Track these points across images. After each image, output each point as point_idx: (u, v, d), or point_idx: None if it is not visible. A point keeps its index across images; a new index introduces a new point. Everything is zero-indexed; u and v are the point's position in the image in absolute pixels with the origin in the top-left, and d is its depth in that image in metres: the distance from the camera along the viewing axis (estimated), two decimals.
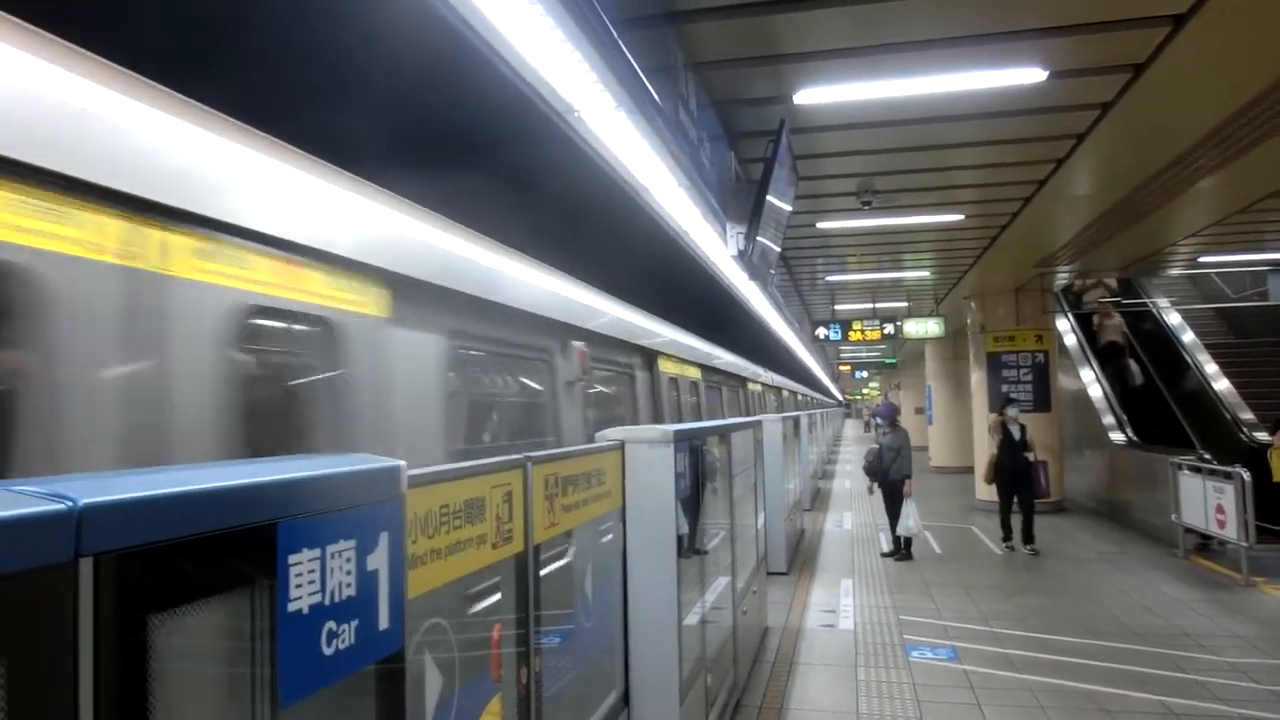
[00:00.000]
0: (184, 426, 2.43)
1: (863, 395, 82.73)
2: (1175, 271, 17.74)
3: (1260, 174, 8.98)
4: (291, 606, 1.31)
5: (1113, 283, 17.42)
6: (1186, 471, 11.34)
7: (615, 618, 4.10)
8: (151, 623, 1.05)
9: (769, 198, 7.03)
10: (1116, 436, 15.43)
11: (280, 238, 2.75)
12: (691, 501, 4.67)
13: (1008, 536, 12.47)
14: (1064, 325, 18.22)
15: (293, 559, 1.31)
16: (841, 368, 47.84)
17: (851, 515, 16.26)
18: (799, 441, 15.17)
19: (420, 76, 3.99)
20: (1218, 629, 7.98)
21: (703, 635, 4.98)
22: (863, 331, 18.94)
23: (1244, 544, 9.83)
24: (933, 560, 11.65)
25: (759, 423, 8.91)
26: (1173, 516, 11.65)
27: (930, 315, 20.14)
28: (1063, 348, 17.80)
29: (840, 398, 69.84)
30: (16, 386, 1.99)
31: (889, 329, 18.94)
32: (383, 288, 3.37)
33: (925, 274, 16.91)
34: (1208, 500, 10.67)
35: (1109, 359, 16.73)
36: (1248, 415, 14.81)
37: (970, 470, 18.18)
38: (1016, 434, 12.61)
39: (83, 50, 2.10)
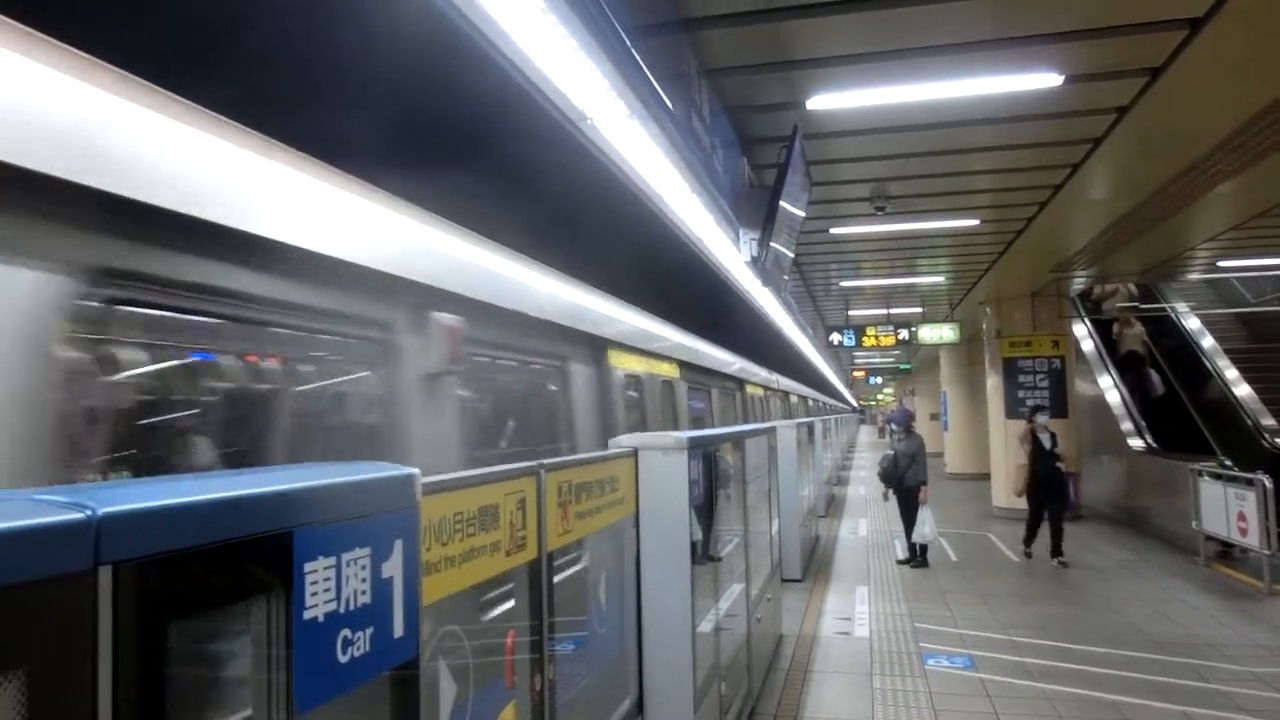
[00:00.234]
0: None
1: (877, 401, 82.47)
2: (1194, 276, 17.58)
3: None
4: (307, 614, 1.32)
5: (1133, 289, 17.29)
6: (1207, 478, 11.25)
7: (629, 624, 4.09)
8: (169, 630, 1.06)
9: (782, 204, 7.03)
10: (1135, 443, 15.32)
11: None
12: (705, 508, 4.66)
13: (1029, 541, 12.25)
14: (1081, 331, 18.10)
15: (308, 567, 1.32)
16: (856, 374, 47.75)
17: (867, 522, 16.20)
18: (813, 447, 15.13)
19: (430, 81, 4.01)
20: (1240, 638, 7.90)
21: (717, 642, 4.97)
22: (877, 337, 18.89)
23: (1266, 552, 9.74)
24: (949, 567, 11.59)
25: (773, 429, 8.89)
26: (1193, 524, 11.54)
27: (945, 321, 20.07)
28: (1080, 353, 17.69)
29: (855, 404, 69.62)
30: None
31: (903, 334, 18.89)
32: None
33: (940, 279, 16.85)
34: (1229, 507, 10.58)
35: (1129, 368, 16.51)
36: (1269, 421, 14.66)
37: (986, 477, 18.08)
38: (1047, 442, 12.19)
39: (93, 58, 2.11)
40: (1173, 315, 17.92)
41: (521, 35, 3.46)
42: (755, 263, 7.75)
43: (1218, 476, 11.00)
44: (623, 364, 6.29)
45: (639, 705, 4.06)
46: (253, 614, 1.27)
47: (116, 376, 2.13)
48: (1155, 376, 16.00)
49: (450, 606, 2.28)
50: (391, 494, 1.61)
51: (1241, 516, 10.25)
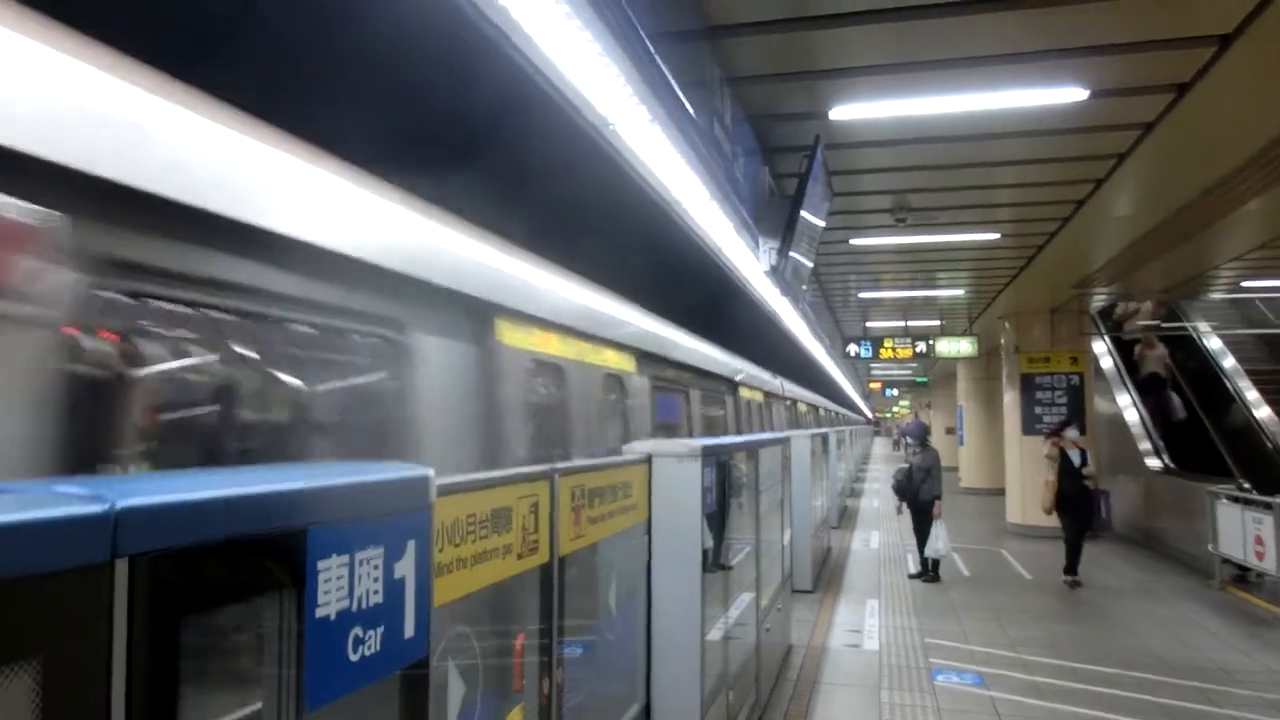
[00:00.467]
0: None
1: (893, 413, 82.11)
2: (1217, 296, 17.42)
3: None
4: (319, 612, 1.32)
5: (1157, 308, 17.12)
6: (1225, 501, 11.13)
7: (638, 631, 4.09)
8: (184, 623, 1.07)
9: (803, 213, 7.02)
10: (1153, 463, 15.19)
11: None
12: (717, 516, 4.66)
13: (1071, 569, 11.46)
14: (1100, 348, 17.97)
15: (322, 565, 1.33)
16: (872, 385, 47.57)
17: (879, 535, 16.12)
18: (827, 458, 15.08)
19: (452, 83, 4.03)
20: (1254, 664, 7.81)
21: (725, 651, 4.95)
22: (894, 349, 18.79)
23: None
24: (961, 583, 11.52)
25: (787, 439, 8.87)
26: (1209, 546, 11.43)
27: (963, 334, 19.96)
28: (1099, 371, 17.56)
29: (870, 415, 69.35)
30: None
31: (921, 347, 18.79)
32: None
33: (959, 293, 16.77)
34: (1246, 531, 10.46)
35: (1151, 391, 16.30)
36: None
37: (1001, 492, 17.97)
38: (1077, 459, 11.75)
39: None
40: (1194, 335, 17.77)
41: (546, 39, 3.47)
42: (774, 272, 7.74)
43: (1236, 499, 10.88)
44: (528, 343, 4.16)
45: (646, 711, 4.06)
46: (265, 610, 1.27)
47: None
48: (1176, 400, 15.79)
49: (462, 608, 2.28)
50: (406, 494, 1.61)
51: (1259, 540, 10.13)
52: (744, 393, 11.59)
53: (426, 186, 3.49)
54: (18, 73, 1.67)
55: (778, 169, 8.56)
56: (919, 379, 39.52)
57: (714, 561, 4.56)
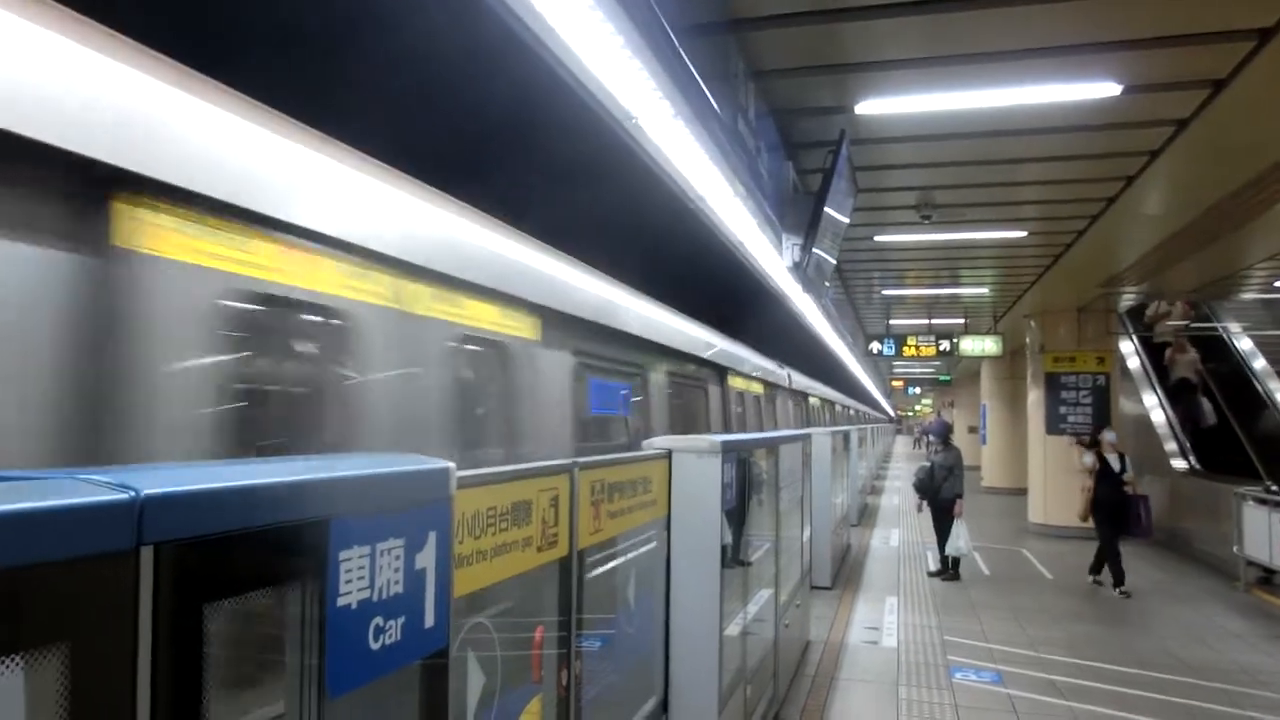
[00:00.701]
0: None
1: (915, 412, 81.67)
2: (1248, 296, 17.18)
3: None
4: (341, 601, 1.33)
5: (1188, 310, 16.87)
6: (1251, 503, 11.00)
7: (657, 624, 4.10)
8: (207, 611, 1.08)
9: (827, 209, 6.99)
10: (1178, 464, 15.02)
11: None
12: (737, 512, 4.65)
13: (1119, 580, 10.91)
14: (1127, 348, 17.77)
15: (343, 555, 1.34)
16: (894, 383, 47.34)
17: (899, 532, 16.06)
18: (848, 456, 15.03)
19: (475, 76, 4.04)
20: (1277, 665, 7.72)
21: (743, 646, 4.96)
22: (917, 347, 18.68)
23: None
24: (981, 582, 11.45)
25: (808, 437, 8.85)
26: (1235, 548, 11.31)
27: (988, 333, 19.82)
28: (1125, 371, 17.37)
29: (892, 413, 69.01)
30: None
31: (944, 346, 18.66)
32: None
33: (984, 291, 16.64)
34: (1273, 532, 10.35)
35: (1181, 396, 16.01)
36: None
37: (1023, 492, 17.84)
38: (1116, 464, 11.28)
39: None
40: (1224, 336, 17.54)
41: (569, 32, 3.47)
42: (797, 268, 7.71)
43: (1263, 501, 10.75)
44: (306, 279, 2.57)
45: (664, 705, 4.07)
46: (288, 598, 1.29)
47: None
48: (1207, 405, 15.51)
49: (481, 599, 2.30)
50: (426, 486, 1.62)
51: None
52: (736, 382, 9.54)
53: (443, 178, 3.51)
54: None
55: (802, 164, 8.52)
56: (942, 377, 39.28)
57: (733, 557, 4.56)
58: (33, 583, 0.86)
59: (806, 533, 8.54)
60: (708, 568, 4.12)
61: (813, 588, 9.42)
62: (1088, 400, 16.23)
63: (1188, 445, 15.32)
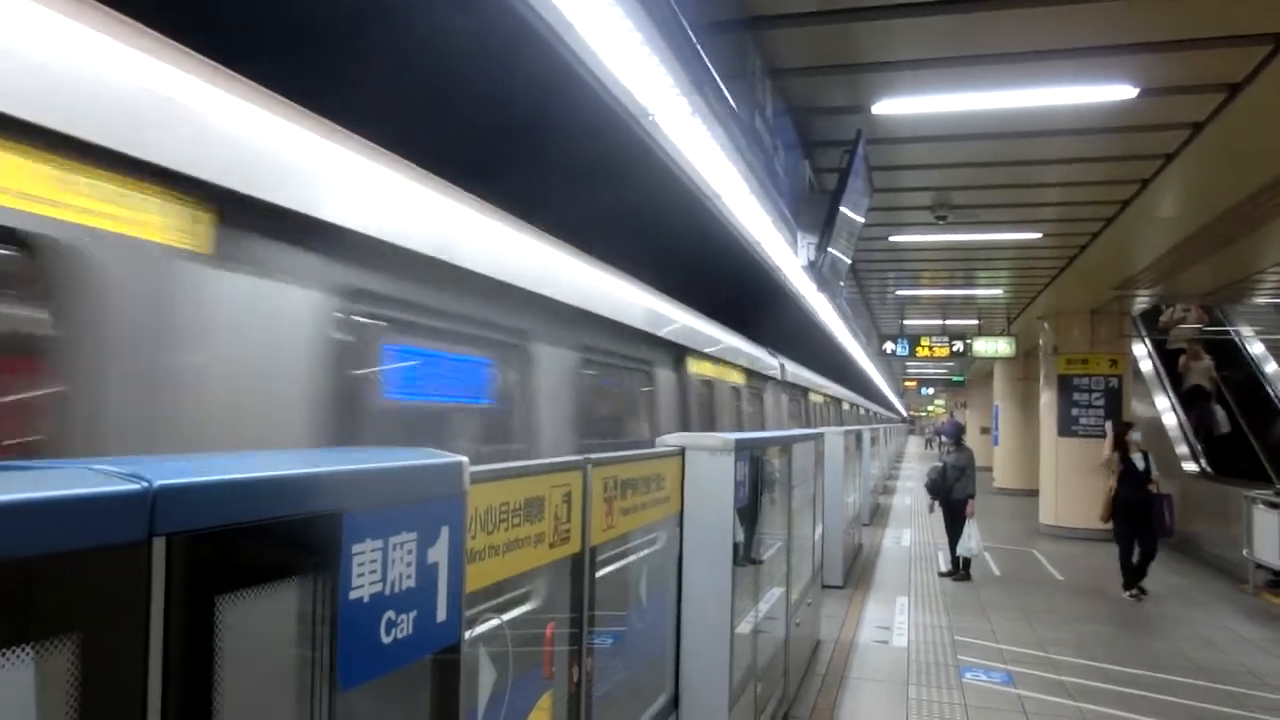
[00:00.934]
0: None
1: (928, 412, 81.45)
2: (1262, 300, 17.06)
3: None
4: (353, 594, 1.33)
5: (1202, 314, 16.72)
6: (1262, 506, 10.92)
7: (668, 621, 4.09)
8: (219, 603, 1.07)
9: (842, 209, 6.96)
10: (1189, 466, 14.93)
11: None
12: (749, 510, 4.64)
13: (1130, 583, 10.77)
14: (1140, 351, 17.67)
15: (356, 548, 1.33)
16: (907, 383, 47.20)
17: (910, 532, 16.02)
18: (860, 455, 14.99)
19: (491, 71, 4.04)
20: None
21: (754, 644, 4.95)
22: (931, 348, 18.62)
23: None
24: (992, 582, 11.41)
25: (821, 436, 8.82)
26: (1244, 551, 11.23)
27: (1001, 334, 19.74)
28: (1137, 373, 17.28)
29: (905, 414, 68.82)
30: None
31: (958, 346, 18.60)
32: None
33: (998, 292, 16.57)
34: None
35: (1195, 404, 15.81)
36: None
37: (1035, 493, 17.77)
38: (1140, 464, 10.93)
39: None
40: (1237, 339, 17.42)
41: (586, 27, 3.46)
42: (812, 267, 7.69)
43: (1273, 505, 10.67)
44: None
45: (674, 701, 4.06)
46: (300, 591, 1.28)
47: None
48: (1221, 413, 15.35)
49: (493, 595, 2.29)
50: (440, 481, 1.62)
51: None
52: (701, 369, 7.06)
53: (456, 172, 3.50)
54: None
55: (818, 163, 8.49)
56: (955, 378, 39.16)
57: (745, 555, 4.55)
58: (45, 573, 0.86)
59: (818, 531, 8.52)
60: (720, 565, 4.11)
61: (824, 587, 9.40)
62: (1100, 402, 16.15)
63: (1199, 448, 15.22)
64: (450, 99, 4.10)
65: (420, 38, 3.76)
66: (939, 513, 12.39)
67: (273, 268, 2.30)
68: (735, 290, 9.53)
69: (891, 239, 11.72)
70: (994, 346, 19.04)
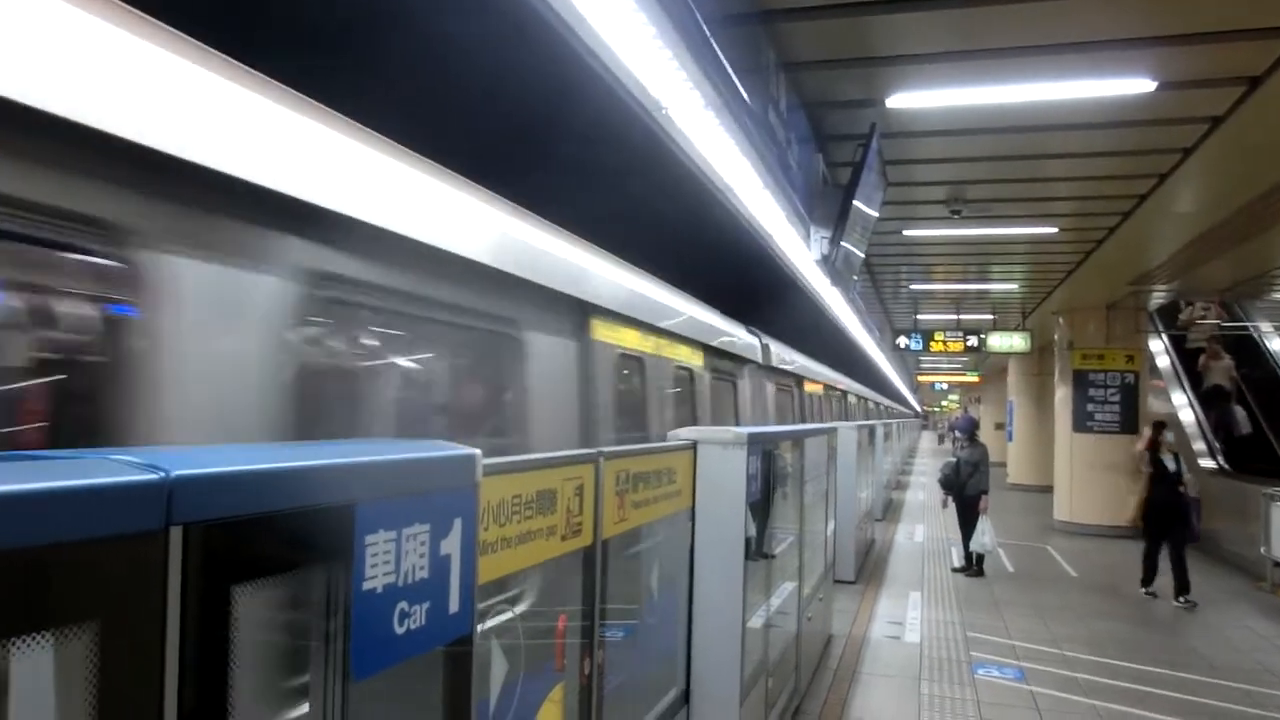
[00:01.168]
0: None
1: (942, 408, 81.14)
2: None
3: None
4: (366, 585, 1.34)
5: (1219, 313, 16.55)
6: None
7: (679, 615, 4.10)
8: (235, 592, 1.09)
9: (856, 203, 6.95)
10: (1206, 463, 14.83)
11: None
12: (761, 505, 4.64)
13: (1149, 580, 10.49)
14: (1157, 346, 17.56)
15: (369, 539, 1.34)
16: (921, 379, 47.04)
17: (923, 528, 15.97)
18: (873, 451, 14.96)
19: (503, 66, 4.04)
20: None
21: (766, 639, 4.95)
22: (945, 343, 18.57)
23: None
24: (1005, 579, 11.37)
25: (834, 431, 8.81)
26: (1262, 549, 11.15)
27: (1016, 329, 19.65)
28: (1153, 369, 17.16)
29: (918, 409, 68.58)
30: None
31: (972, 341, 18.52)
32: None
33: (1013, 287, 16.49)
34: None
35: (1214, 403, 15.53)
36: None
37: (1049, 489, 17.69)
38: (1171, 464, 10.59)
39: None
40: (1255, 335, 17.27)
41: (600, 20, 3.46)
42: (825, 261, 7.67)
43: None
44: None
45: (685, 695, 4.07)
46: (314, 581, 1.29)
47: None
48: (1241, 413, 15.16)
49: (505, 586, 2.30)
50: (453, 473, 1.63)
51: None
52: (621, 338, 5.06)
53: (469, 167, 3.51)
54: None
55: (832, 157, 8.46)
56: (969, 373, 39.01)
57: (757, 550, 4.55)
58: (64, 560, 0.87)
59: (830, 527, 8.51)
60: (731, 560, 4.12)
61: (836, 582, 9.39)
62: (1115, 398, 16.04)
63: (1216, 445, 15.11)
64: (462, 94, 4.11)
65: (433, 33, 3.76)
66: (952, 508, 12.35)
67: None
68: (748, 284, 9.52)
69: (905, 233, 11.68)
70: (1009, 342, 18.97)
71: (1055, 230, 11.27)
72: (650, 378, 5.57)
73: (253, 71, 2.26)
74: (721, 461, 4.10)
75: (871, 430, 14.75)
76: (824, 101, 7.34)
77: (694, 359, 6.71)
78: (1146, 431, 11.08)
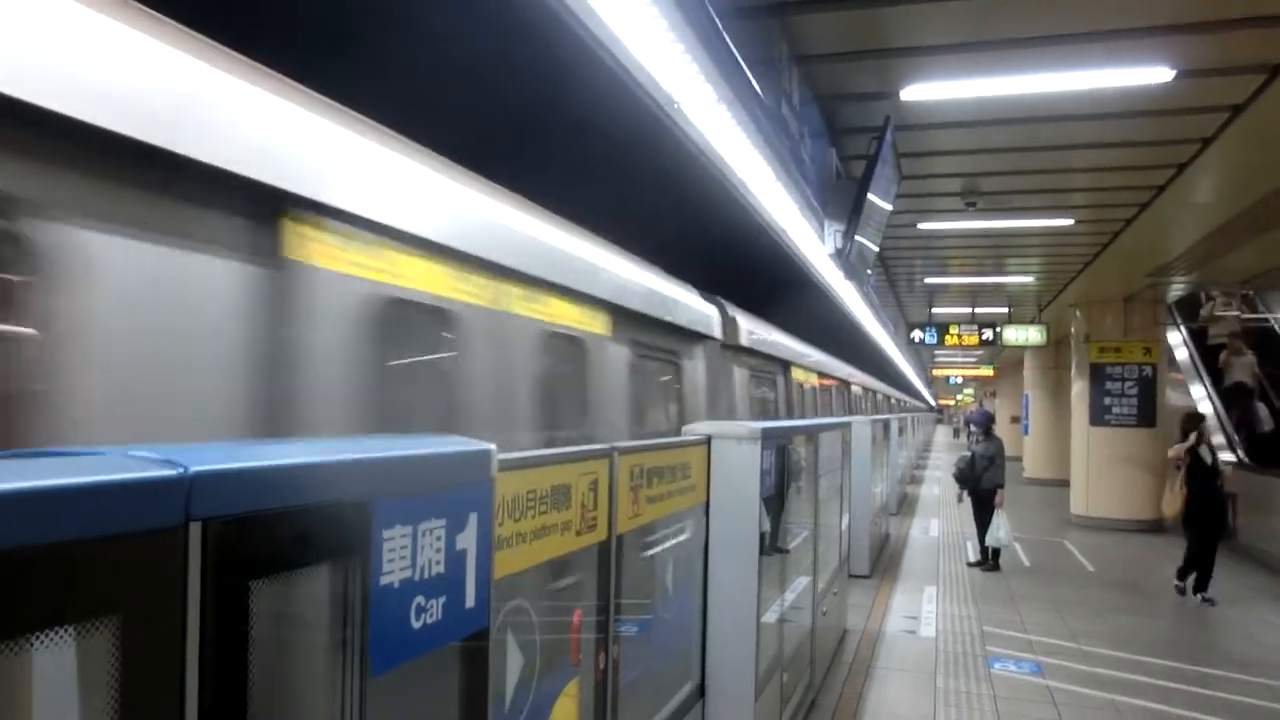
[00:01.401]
0: None
1: (957, 401, 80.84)
2: None
3: None
4: (384, 580, 1.35)
5: (1241, 305, 16.37)
6: None
7: (694, 610, 4.11)
8: (254, 587, 1.09)
9: (870, 196, 6.92)
10: (1226, 457, 14.71)
11: None
12: (775, 499, 4.64)
13: (1184, 576, 10.07)
14: (1175, 338, 17.42)
15: (386, 534, 1.35)
16: (936, 372, 46.87)
17: (938, 522, 15.93)
18: (888, 445, 14.92)
19: (515, 59, 4.04)
20: None
21: (780, 633, 4.95)
22: (960, 336, 18.48)
23: None
24: (1021, 573, 11.32)
25: (848, 425, 8.79)
26: None
27: (1032, 322, 19.54)
28: (1172, 361, 17.03)
29: (933, 403, 68.35)
30: None
31: (988, 335, 18.43)
32: None
33: (1029, 279, 16.40)
34: None
35: (1236, 400, 15.33)
36: None
37: (1066, 483, 17.60)
38: (1208, 459, 10.07)
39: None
40: (1277, 328, 17.11)
41: (611, 14, 3.45)
42: (839, 255, 7.65)
43: None
44: None
45: (700, 689, 4.08)
46: (331, 576, 1.30)
47: None
48: (1264, 410, 15.00)
49: (521, 582, 2.31)
50: (468, 468, 1.63)
51: None
52: (470, 287, 3.33)
53: (481, 161, 3.51)
54: None
55: (845, 150, 8.43)
56: (984, 367, 38.84)
57: (771, 544, 4.55)
58: (86, 556, 0.87)
59: (845, 521, 8.50)
60: (746, 554, 4.12)
61: (851, 576, 9.38)
62: (1133, 392, 15.93)
63: (1235, 438, 14.98)
64: (474, 88, 4.12)
65: (444, 26, 3.77)
66: (967, 503, 12.31)
67: None
68: (761, 277, 9.50)
69: (920, 226, 11.62)
70: (1024, 335, 18.86)
71: (1072, 222, 11.20)
72: (468, 338, 3.32)
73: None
74: (736, 456, 4.09)
75: (885, 424, 14.70)
76: (837, 94, 7.31)
77: (588, 322, 4.52)
78: (1190, 439, 10.14)
